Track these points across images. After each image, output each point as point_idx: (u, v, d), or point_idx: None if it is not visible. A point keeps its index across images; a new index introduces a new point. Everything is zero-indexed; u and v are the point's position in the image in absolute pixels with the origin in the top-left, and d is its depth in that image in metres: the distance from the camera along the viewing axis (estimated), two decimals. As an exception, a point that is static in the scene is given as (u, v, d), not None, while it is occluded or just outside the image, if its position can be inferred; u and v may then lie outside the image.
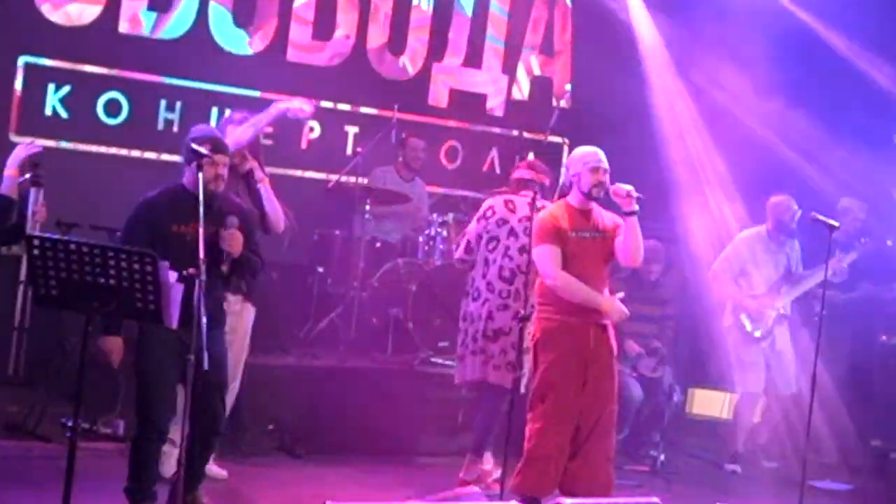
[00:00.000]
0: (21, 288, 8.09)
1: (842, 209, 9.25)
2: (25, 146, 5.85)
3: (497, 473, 7.30)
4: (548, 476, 6.66)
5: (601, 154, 6.82)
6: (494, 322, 7.41)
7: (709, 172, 10.17)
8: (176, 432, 6.06)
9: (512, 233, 7.43)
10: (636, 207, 6.62)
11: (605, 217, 6.86)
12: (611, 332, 6.84)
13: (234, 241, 5.93)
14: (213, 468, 6.92)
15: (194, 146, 5.84)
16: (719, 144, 10.37)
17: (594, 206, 6.85)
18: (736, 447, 9.04)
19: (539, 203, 6.94)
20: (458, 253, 7.67)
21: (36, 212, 5.67)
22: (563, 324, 6.71)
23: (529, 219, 6.97)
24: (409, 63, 10.57)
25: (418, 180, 9.85)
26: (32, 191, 5.67)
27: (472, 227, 7.59)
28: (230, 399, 6.69)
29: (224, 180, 6.03)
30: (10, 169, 5.78)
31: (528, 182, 7.49)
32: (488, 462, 7.56)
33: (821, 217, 7.63)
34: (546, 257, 6.70)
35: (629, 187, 6.64)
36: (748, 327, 8.92)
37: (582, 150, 6.92)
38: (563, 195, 6.90)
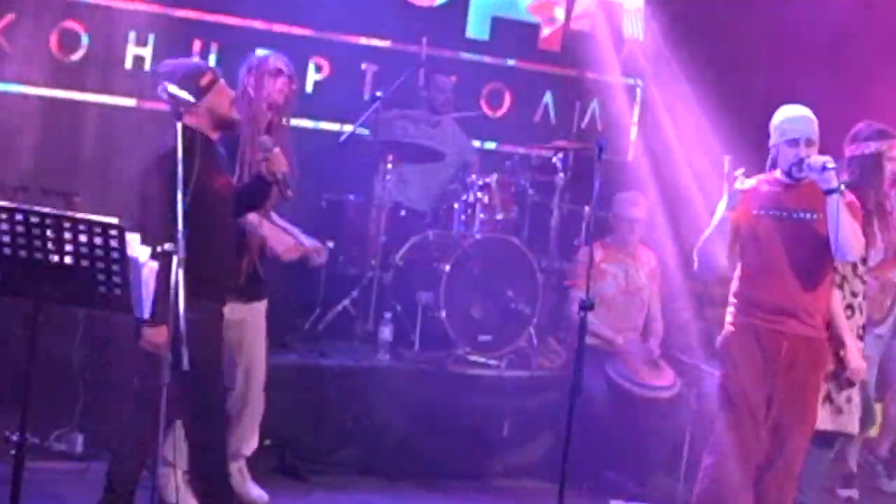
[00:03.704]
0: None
1: None
2: None
3: None
4: None
5: (805, 118, 6.64)
6: None
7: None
8: (169, 450, 6.40)
9: None
10: (835, 183, 6.38)
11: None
12: (822, 345, 6.69)
13: (280, 160, 6.29)
14: (252, 490, 7.12)
15: (170, 89, 5.77)
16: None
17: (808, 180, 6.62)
18: (850, 466, 9.02)
19: None
20: None
21: None
22: (747, 327, 6.61)
23: None
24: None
25: (445, 118, 9.82)
26: None
27: None
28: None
29: None
30: None
31: None
32: None
33: None
34: None
35: (825, 158, 6.44)
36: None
37: (782, 113, 6.74)
38: (774, 165, 6.77)
